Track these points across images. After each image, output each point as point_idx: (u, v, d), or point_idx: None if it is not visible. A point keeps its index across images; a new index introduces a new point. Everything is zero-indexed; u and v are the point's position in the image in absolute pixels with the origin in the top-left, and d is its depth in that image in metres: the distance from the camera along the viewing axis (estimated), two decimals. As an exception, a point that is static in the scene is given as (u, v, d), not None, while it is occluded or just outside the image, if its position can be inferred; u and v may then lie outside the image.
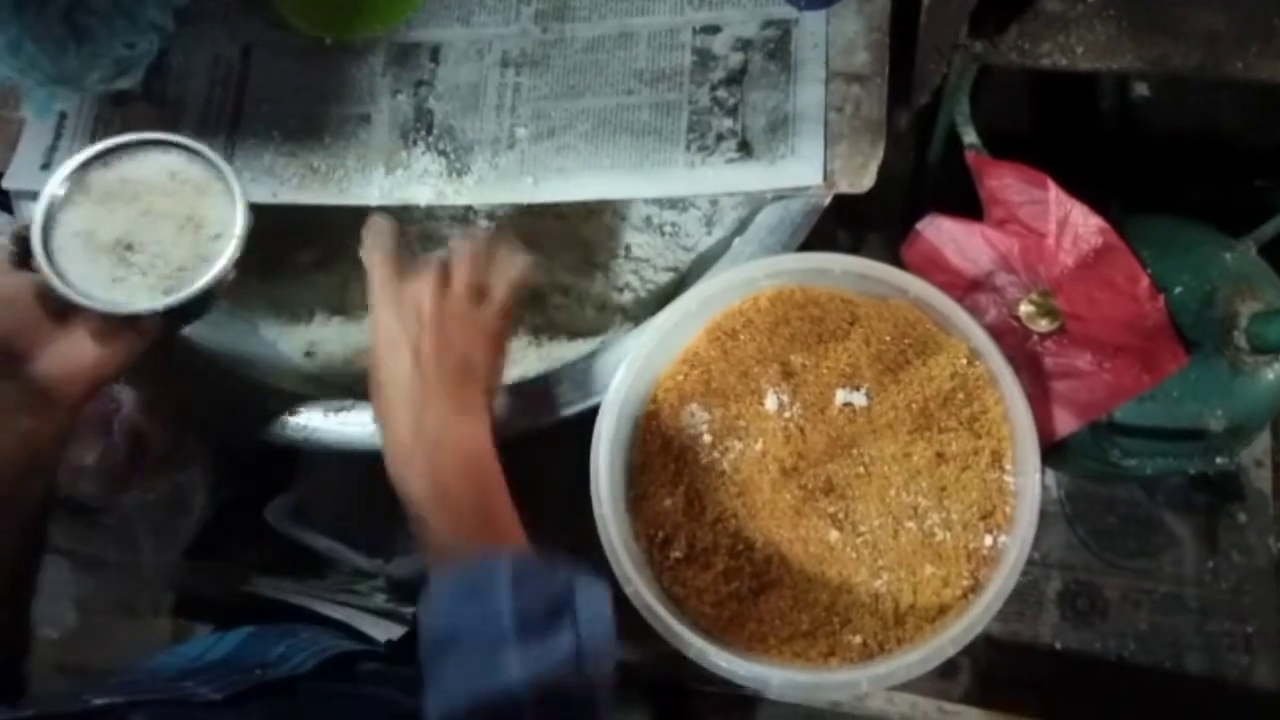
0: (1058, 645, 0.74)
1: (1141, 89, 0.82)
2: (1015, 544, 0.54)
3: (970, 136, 0.63)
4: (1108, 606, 0.74)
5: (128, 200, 0.59)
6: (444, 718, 0.45)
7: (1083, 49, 0.60)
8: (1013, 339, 0.60)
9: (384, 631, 0.64)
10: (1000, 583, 0.53)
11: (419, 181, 0.71)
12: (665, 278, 0.81)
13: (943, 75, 0.62)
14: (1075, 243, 0.59)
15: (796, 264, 0.60)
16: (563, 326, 0.81)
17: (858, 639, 0.57)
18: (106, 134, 0.74)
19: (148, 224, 0.58)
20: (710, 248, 0.80)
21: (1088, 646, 0.74)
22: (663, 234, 0.83)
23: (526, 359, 0.79)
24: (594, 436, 0.59)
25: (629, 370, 0.60)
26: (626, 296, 0.81)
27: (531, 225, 0.82)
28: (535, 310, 0.81)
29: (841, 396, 0.61)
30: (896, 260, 0.77)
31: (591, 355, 0.77)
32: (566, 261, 0.82)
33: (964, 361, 0.57)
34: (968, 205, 0.69)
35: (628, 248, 0.82)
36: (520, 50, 0.73)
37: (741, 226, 0.75)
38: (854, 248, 0.85)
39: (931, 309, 0.58)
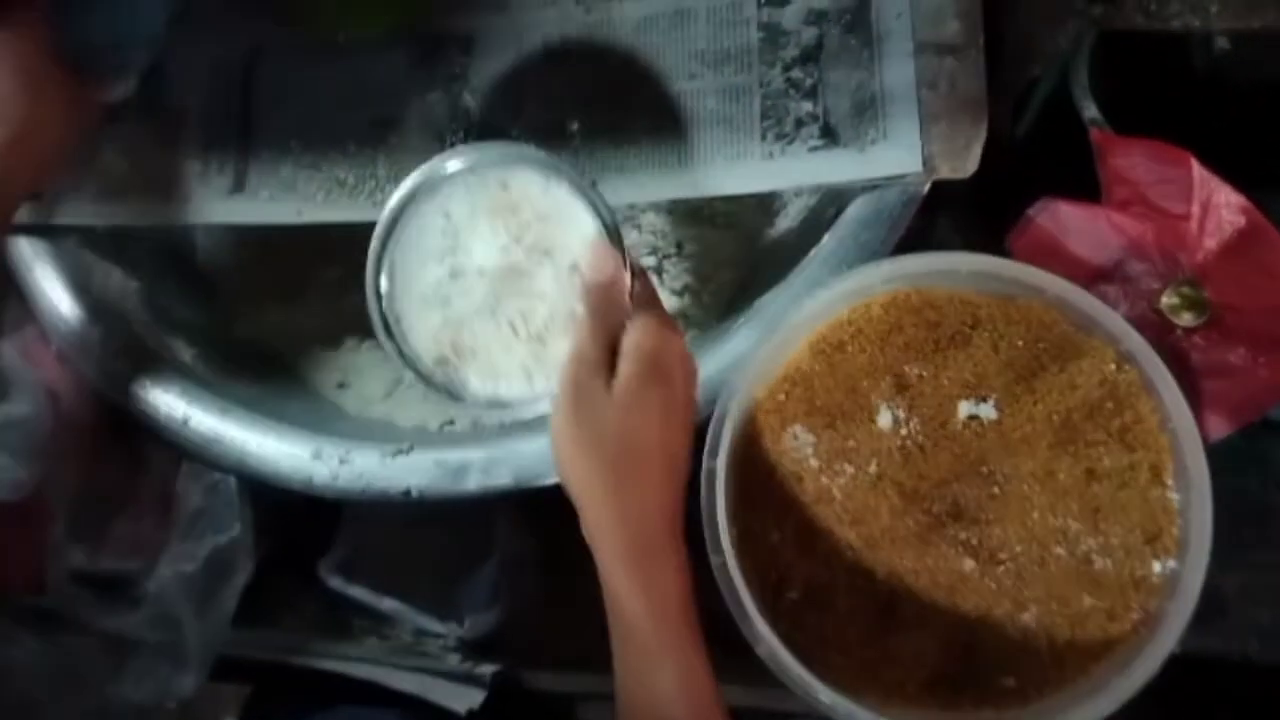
0: (1177, 649, 0.69)
1: (1222, 42, 0.76)
2: (1189, 569, 0.49)
3: (1091, 111, 0.57)
4: (1226, 604, 0.69)
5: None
6: None
7: (1217, 7, 0.54)
8: (1151, 335, 0.54)
9: (463, 700, 0.58)
10: (1180, 614, 0.48)
11: (461, 189, 0.64)
12: (727, 276, 0.74)
13: (1055, 45, 0.56)
14: (1219, 225, 0.53)
15: (919, 267, 0.53)
16: (619, 337, 0.74)
17: (1011, 681, 0.51)
18: (97, 157, 0.66)
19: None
20: (776, 240, 0.73)
21: (1208, 648, 0.69)
22: (715, 225, 0.76)
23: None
24: (704, 476, 0.52)
25: (738, 402, 0.53)
26: (686, 300, 0.74)
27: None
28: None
29: (965, 409, 0.55)
30: (978, 244, 0.72)
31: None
32: (614, 264, 0.75)
33: (1112, 367, 0.52)
34: (1052, 182, 0.63)
35: (679, 244, 0.75)
36: (562, 35, 0.66)
37: (816, 218, 0.69)
38: (921, 231, 0.79)
39: (1071, 309, 0.52)
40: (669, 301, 0.74)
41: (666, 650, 0.42)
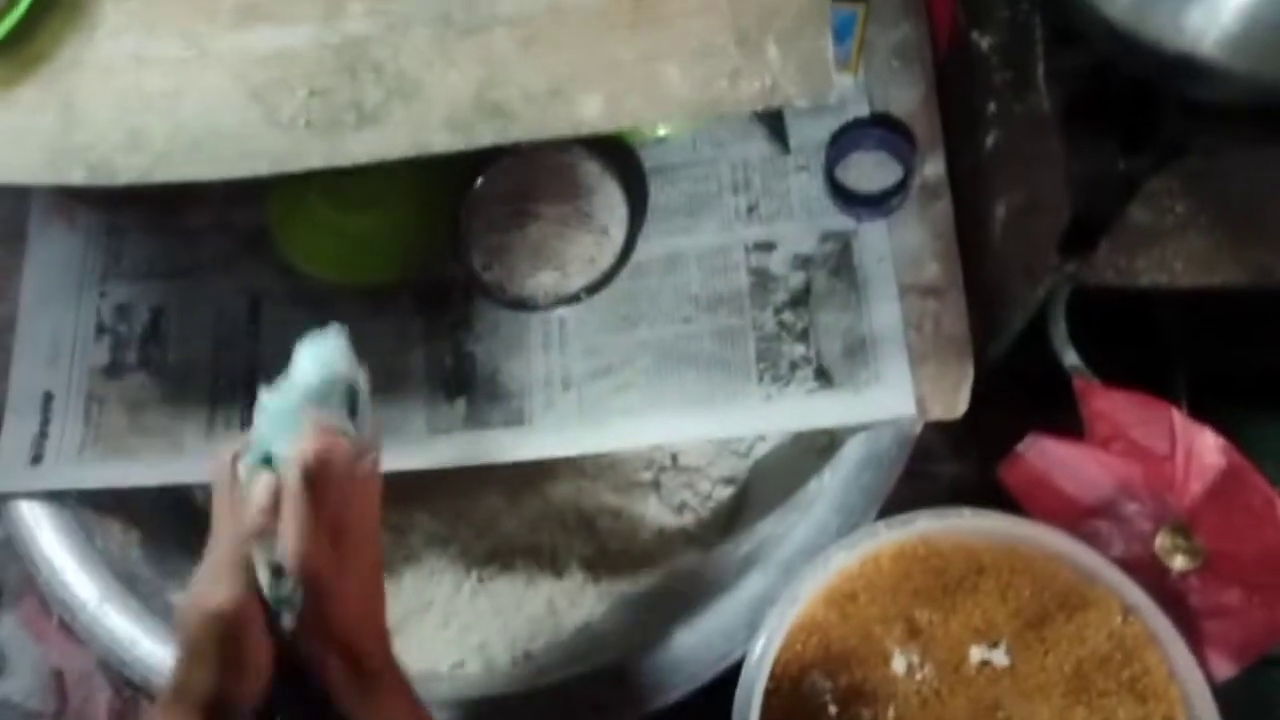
0: None
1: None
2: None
3: (1071, 358, 0.60)
4: None
5: None
6: None
7: (1181, 264, 0.57)
8: (1148, 575, 0.56)
9: None
10: None
11: (468, 438, 0.65)
12: (724, 492, 0.75)
13: (1034, 295, 0.59)
14: (1202, 469, 0.56)
15: (926, 525, 0.55)
16: (620, 558, 0.74)
17: None
18: (101, 415, 0.66)
19: None
20: (768, 457, 0.75)
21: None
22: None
23: (585, 598, 0.73)
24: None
25: (760, 664, 0.54)
26: (686, 518, 0.75)
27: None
28: (585, 538, 0.75)
29: (977, 654, 0.56)
30: (961, 449, 0.73)
31: (655, 593, 0.71)
32: (610, 480, 0.76)
33: (1118, 619, 0.53)
34: (1031, 397, 0.65)
35: (674, 457, 0.77)
36: (562, 283, 0.68)
37: (807, 440, 0.70)
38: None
39: (1073, 562, 0.54)
40: (669, 519, 0.75)
41: None
